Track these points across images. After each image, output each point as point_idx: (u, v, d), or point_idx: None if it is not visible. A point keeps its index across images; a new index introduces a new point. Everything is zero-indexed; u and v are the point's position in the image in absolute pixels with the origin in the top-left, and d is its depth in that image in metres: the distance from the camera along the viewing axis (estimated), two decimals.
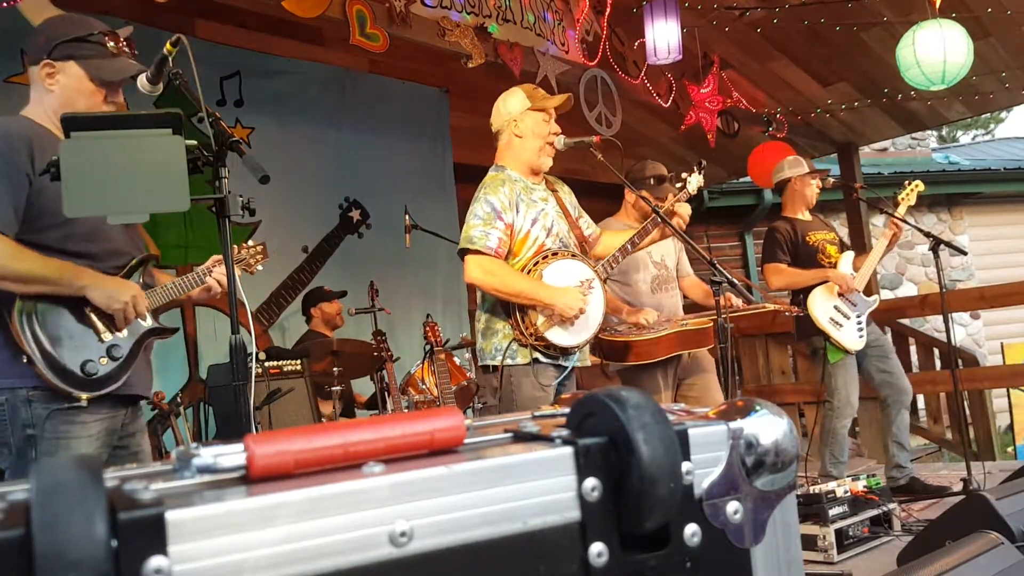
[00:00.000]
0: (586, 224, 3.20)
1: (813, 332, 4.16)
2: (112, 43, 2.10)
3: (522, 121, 2.98)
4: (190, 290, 2.30)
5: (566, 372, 2.94)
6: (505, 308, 2.86)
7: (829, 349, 4.15)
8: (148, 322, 2.17)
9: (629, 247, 3.07)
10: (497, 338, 2.87)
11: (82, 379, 1.98)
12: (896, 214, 4.21)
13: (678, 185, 3.35)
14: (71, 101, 2.09)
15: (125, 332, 2.09)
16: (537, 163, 3.00)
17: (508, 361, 2.82)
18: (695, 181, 3.31)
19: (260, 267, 2.57)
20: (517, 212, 2.87)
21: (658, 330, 3.50)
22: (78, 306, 2.02)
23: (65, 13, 2.25)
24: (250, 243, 2.58)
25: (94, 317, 2.04)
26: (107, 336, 2.05)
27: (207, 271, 2.31)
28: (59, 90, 2.08)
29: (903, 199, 4.31)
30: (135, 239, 2.26)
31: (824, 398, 4.29)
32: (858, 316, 4.20)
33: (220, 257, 2.29)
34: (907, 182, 4.42)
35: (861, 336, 4.19)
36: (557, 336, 2.81)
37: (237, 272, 2.30)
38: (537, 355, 2.82)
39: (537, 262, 2.85)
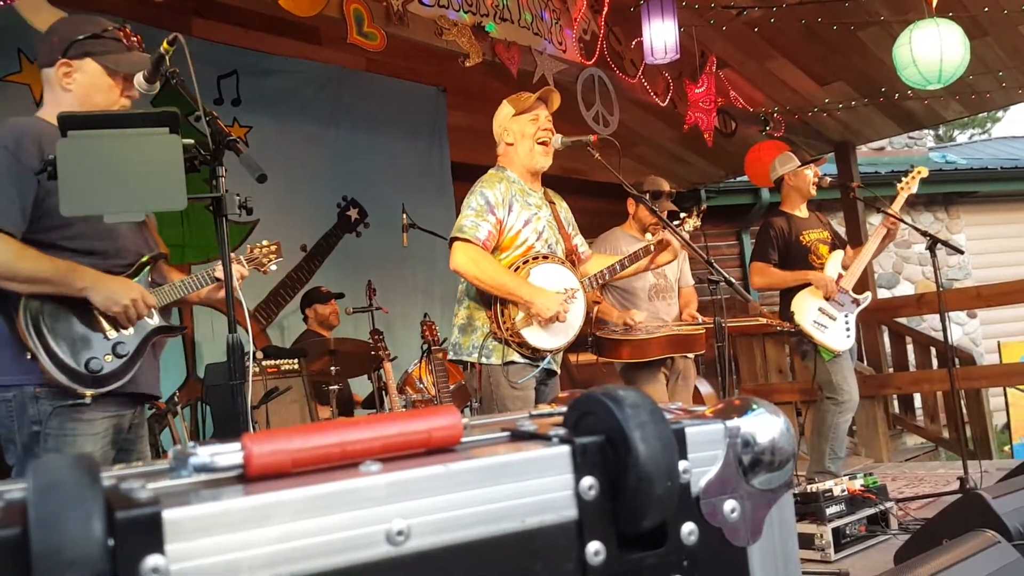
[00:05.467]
0: (580, 243, 3.22)
1: (801, 332, 4.17)
2: (124, 38, 2.12)
3: (511, 129, 3.03)
4: (200, 288, 2.27)
5: (545, 375, 2.95)
6: (486, 301, 2.87)
7: (820, 348, 4.16)
8: (155, 320, 2.16)
9: (618, 268, 3.13)
10: (476, 335, 2.88)
11: (87, 376, 1.98)
12: (892, 208, 4.19)
13: (676, 222, 3.39)
14: (89, 98, 2.11)
15: (131, 330, 2.09)
16: (532, 163, 3.01)
17: (484, 360, 2.84)
18: (691, 224, 3.38)
19: (274, 266, 2.55)
20: (510, 211, 2.89)
21: (650, 331, 3.61)
22: (84, 304, 2.01)
23: (71, 15, 2.26)
24: (264, 242, 2.56)
25: (99, 315, 2.04)
26: (113, 333, 2.05)
27: (216, 269, 2.28)
28: (76, 88, 2.10)
29: (904, 187, 4.27)
30: (145, 238, 2.25)
31: (817, 396, 4.30)
32: (845, 316, 4.20)
33: (232, 256, 2.28)
34: (912, 166, 4.41)
35: (849, 336, 4.21)
36: (533, 336, 2.82)
37: (250, 271, 2.34)
38: (512, 356, 2.83)
39: (527, 260, 2.88)
